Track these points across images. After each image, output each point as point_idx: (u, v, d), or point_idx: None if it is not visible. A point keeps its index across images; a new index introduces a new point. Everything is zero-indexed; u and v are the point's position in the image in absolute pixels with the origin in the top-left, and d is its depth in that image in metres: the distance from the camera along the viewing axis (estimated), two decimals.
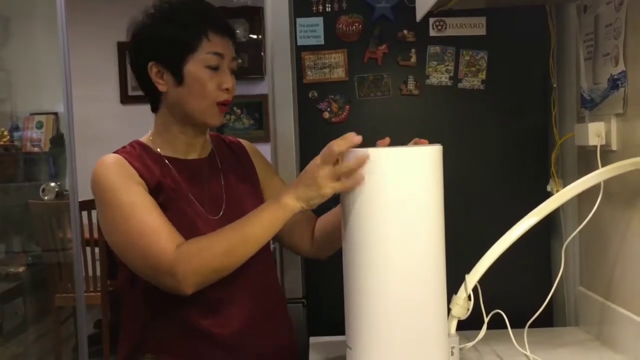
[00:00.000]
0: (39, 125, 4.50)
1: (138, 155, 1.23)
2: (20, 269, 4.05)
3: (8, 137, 4.25)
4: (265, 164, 1.41)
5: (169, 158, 1.26)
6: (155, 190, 1.20)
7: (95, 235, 3.57)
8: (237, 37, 1.26)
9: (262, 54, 4.94)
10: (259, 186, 1.37)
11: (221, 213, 1.26)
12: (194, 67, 1.20)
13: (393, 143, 1.16)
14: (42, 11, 3.41)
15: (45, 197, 2.71)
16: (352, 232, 1.07)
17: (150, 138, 1.28)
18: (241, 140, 1.42)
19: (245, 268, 1.17)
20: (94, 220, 3.60)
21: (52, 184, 2.79)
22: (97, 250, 3.61)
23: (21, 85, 3.96)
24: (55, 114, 4.50)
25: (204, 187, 1.27)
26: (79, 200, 3.12)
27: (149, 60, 1.21)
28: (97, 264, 3.64)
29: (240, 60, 1.26)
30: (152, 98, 1.27)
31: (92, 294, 3.58)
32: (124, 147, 1.26)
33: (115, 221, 1.17)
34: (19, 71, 3.75)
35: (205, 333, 1.20)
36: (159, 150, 1.26)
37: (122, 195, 1.16)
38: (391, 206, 1.03)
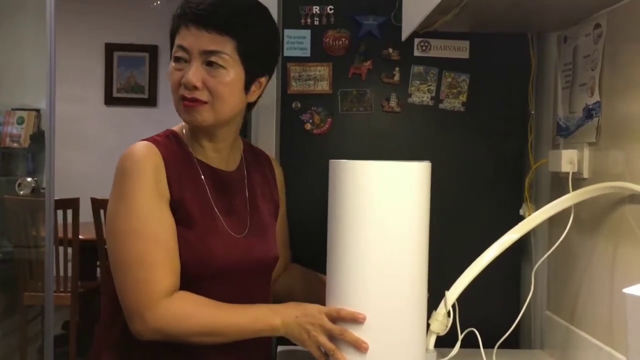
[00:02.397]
0: (20, 121, 4.46)
1: (171, 149, 1.18)
2: None
3: None
4: (283, 194, 1.39)
5: (200, 162, 1.21)
6: (180, 202, 1.15)
7: (69, 235, 3.54)
8: (221, 27, 1.14)
9: None
10: (278, 211, 1.35)
11: (245, 232, 1.23)
12: (170, 63, 1.19)
13: (374, 158, 1.17)
14: (31, 6, 3.39)
15: (21, 192, 2.68)
16: (336, 243, 1.09)
17: (184, 132, 1.23)
18: (271, 157, 1.40)
19: None
20: (69, 220, 3.58)
21: (29, 179, 2.76)
22: (69, 250, 3.58)
23: (5, 80, 3.92)
24: (38, 110, 4.47)
25: (230, 201, 1.23)
26: (55, 198, 3.09)
27: None
28: (69, 264, 3.61)
29: (221, 51, 1.13)
30: None
31: (62, 294, 3.54)
32: (158, 135, 1.20)
33: (121, 228, 1.12)
34: (4, 66, 3.72)
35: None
36: (190, 148, 1.21)
37: (139, 206, 1.11)
38: (377, 219, 1.06)
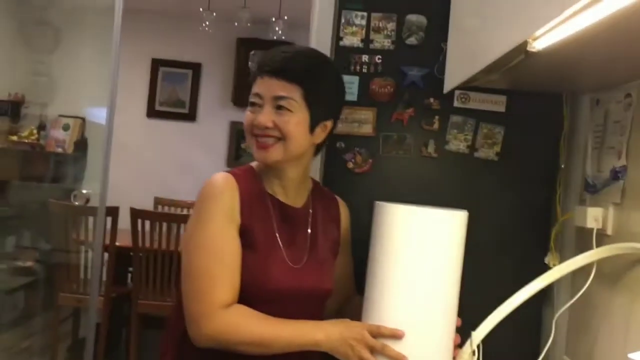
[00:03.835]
0: (66, 128, 4.66)
1: (247, 182, 1.33)
2: (28, 264, 4.17)
3: (36, 135, 4.42)
4: (349, 233, 1.50)
5: (270, 196, 1.36)
6: (247, 228, 1.29)
7: (107, 241, 3.70)
8: (290, 76, 1.29)
9: None
10: (338, 249, 1.45)
11: (302, 264, 1.35)
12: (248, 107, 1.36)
13: (410, 199, 1.28)
14: (91, 23, 3.59)
15: (76, 203, 2.84)
16: (374, 279, 1.20)
17: (259, 167, 1.38)
18: (338, 199, 1.50)
19: None
20: (108, 226, 3.73)
21: (85, 191, 2.92)
22: (105, 255, 3.73)
23: (60, 90, 4.13)
24: (83, 118, 4.67)
25: (293, 233, 1.36)
26: (96, 206, 3.25)
27: None
28: (104, 269, 3.76)
29: (289, 97, 1.29)
30: None
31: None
32: (238, 169, 1.36)
33: (193, 244, 1.28)
34: (61, 78, 3.93)
35: None
36: (263, 184, 1.36)
37: (212, 226, 1.27)
38: (414, 261, 1.16)
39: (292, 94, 1.30)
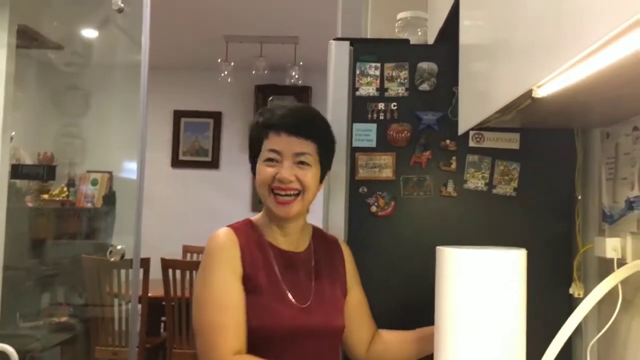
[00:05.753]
0: (94, 183, 4.80)
1: (247, 234, 1.45)
2: (63, 319, 4.25)
3: (67, 192, 4.55)
4: (354, 270, 1.58)
5: (270, 245, 1.46)
6: (250, 276, 1.39)
7: (139, 292, 3.78)
8: (307, 133, 1.43)
9: None
10: (345, 289, 1.54)
11: (308, 303, 1.43)
12: (259, 163, 1.46)
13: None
14: (117, 81, 3.75)
15: (112, 259, 2.94)
16: (444, 321, 1.25)
17: (260, 220, 1.50)
18: (340, 242, 1.60)
19: None
20: (139, 277, 3.82)
21: (119, 247, 3.02)
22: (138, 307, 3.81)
23: (89, 148, 4.28)
24: (110, 172, 4.80)
25: (296, 276, 1.45)
26: (127, 258, 3.33)
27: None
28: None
29: (308, 152, 1.44)
30: None
31: (127, 349, 3.75)
32: (237, 223, 1.47)
33: (199, 298, 1.38)
34: (92, 138, 4.09)
35: None
36: (263, 234, 1.47)
37: (215, 279, 1.37)
38: (483, 304, 1.22)
39: (309, 149, 1.45)
